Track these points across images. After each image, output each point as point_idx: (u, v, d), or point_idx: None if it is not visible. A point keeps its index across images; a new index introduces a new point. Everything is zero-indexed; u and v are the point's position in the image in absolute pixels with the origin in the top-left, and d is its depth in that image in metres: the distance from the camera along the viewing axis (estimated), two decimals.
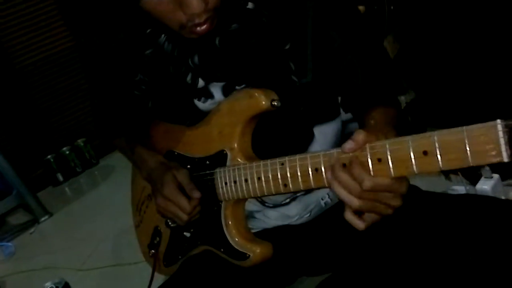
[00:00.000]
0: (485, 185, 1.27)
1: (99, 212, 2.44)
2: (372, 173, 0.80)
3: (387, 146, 0.78)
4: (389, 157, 0.78)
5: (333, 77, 1.07)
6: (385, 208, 0.82)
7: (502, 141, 0.66)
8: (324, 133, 1.13)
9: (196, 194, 1.08)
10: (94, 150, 3.10)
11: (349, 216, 0.83)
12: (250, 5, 1.04)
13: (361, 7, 1.58)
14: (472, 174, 1.31)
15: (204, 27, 0.96)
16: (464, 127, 0.69)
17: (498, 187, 1.29)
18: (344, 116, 1.17)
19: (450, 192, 1.30)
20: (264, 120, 1.06)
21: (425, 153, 0.74)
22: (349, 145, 0.81)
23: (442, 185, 1.40)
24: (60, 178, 3.00)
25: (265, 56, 1.06)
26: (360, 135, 0.81)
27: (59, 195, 2.93)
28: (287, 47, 1.05)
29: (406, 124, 1.12)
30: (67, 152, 3.01)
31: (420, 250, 0.96)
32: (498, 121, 0.66)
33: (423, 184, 1.11)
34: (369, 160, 0.81)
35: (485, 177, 1.27)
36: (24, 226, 2.54)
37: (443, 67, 1.67)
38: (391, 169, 0.78)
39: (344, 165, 0.83)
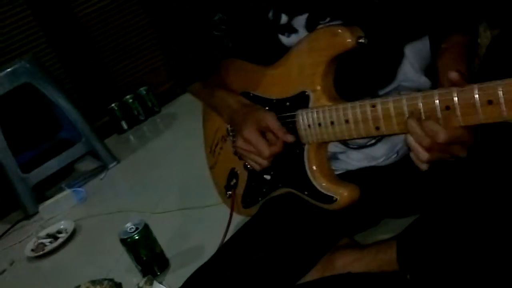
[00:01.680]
0: None
1: (164, 158, 2.47)
2: (481, 115, 0.76)
3: (499, 87, 0.73)
4: (500, 98, 0.73)
5: None
6: (451, 158, 0.82)
7: None
8: (415, 50, 1.08)
9: (290, 138, 1.04)
10: (157, 98, 3.12)
11: (415, 160, 0.84)
12: None
13: None
14: None
15: None
16: None
17: None
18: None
19: None
20: (349, 54, 1.00)
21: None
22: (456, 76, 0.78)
23: None
24: (125, 126, 3.05)
25: None
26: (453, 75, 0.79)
27: (124, 143, 2.99)
28: None
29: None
30: (130, 100, 3.04)
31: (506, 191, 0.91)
32: None
33: None
34: (478, 103, 0.76)
35: None
36: (94, 172, 2.60)
37: None
38: (504, 111, 0.73)
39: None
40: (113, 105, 3.03)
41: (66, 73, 3.01)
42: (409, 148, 0.85)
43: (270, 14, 1.06)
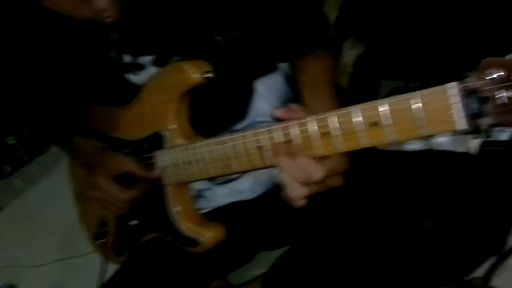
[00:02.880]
0: (442, 137, 1.21)
1: (52, 201, 2.31)
2: (319, 149, 0.73)
3: (336, 118, 0.70)
4: (339, 130, 0.71)
5: (259, 28, 0.99)
6: (327, 187, 0.78)
7: (457, 107, 0.59)
8: (267, 85, 1.07)
9: (154, 173, 0.99)
10: (41, 136, 2.92)
11: (292, 197, 0.77)
12: None
13: None
14: None
15: (113, 18, 0.89)
16: (417, 92, 0.62)
17: (456, 137, 1.24)
18: (284, 67, 1.11)
19: (406, 148, 1.25)
20: (199, 90, 0.97)
21: (374, 124, 0.66)
22: (280, 112, 0.75)
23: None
24: (8, 169, 2.83)
25: (184, 18, 0.97)
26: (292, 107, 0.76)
27: (8, 188, 2.76)
28: (204, 3, 0.96)
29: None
30: (13, 141, 2.83)
31: (379, 215, 0.91)
32: (453, 84, 0.59)
33: None
34: (317, 134, 0.73)
35: None
36: None
37: (392, 15, 1.60)
38: (341, 143, 0.71)
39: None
40: None
41: None
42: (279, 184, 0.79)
43: (112, 54, 1.01)
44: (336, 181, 0.78)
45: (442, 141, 1.21)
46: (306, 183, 0.74)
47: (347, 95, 1.44)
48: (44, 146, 2.90)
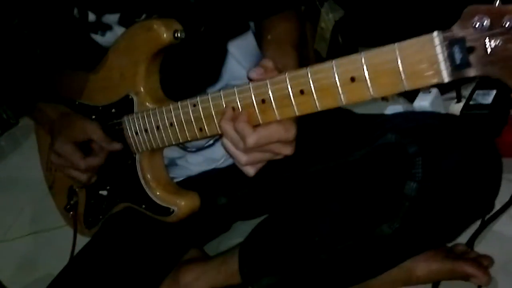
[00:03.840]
0: (423, 101, 1.18)
1: (22, 175, 2.26)
2: (295, 107, 0.69)
3: (309, 75, 0.66)
4: (312, 88, 0.67)
5: None
6: (275, 156, 0.76)
7: (440, 57, 0.55)
8: (239, 46, 1.03)
9: (116, 146, 0.96)
10: (12, 108, 2.83)
11: (237, 164, 0.77)
12: None
13: None
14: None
15: None
16: (396, 44, 0.58)
17: (437, 101, 1.21)
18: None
19: (387, 112, 1.22)
20: (170, 51, 0.92)
21: (352, 79, 0.62)
22: (255, 73, 0.72)
23: (376, 106, 1.32)
24: None
25: None
26: (269, 63, 0.73)
27: None
28: None
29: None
30: None
31: (360, 178, 0.88)
32: (435, 33, 0.55)
33: (358, 107, 1.02)
34: (291, 93, 0.69)
35: (423, 93, 1.19)
36: None
37: None
38: (316, 101, 0.67)
39: (233, 109, 0.74)
40: None
41: None
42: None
43: (75, 12, 0.95)
44: (283, 150, 0.75)
45: (423, 105, 1.18)
46: (245, 150, 0.73)
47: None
48: (14, 120, 2.82)
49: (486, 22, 0.52)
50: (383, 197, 0.83)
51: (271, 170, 0.80)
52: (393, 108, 1.25)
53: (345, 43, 1.50)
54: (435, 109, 1.20)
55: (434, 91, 1.23)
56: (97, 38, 0.97)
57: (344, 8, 1.47)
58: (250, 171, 0.76)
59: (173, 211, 0.94)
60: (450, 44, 0.54)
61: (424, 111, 1.18)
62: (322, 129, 0.99)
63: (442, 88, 1.25)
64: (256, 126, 0.73)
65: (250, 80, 0.73)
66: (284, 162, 0.78)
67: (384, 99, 1.34)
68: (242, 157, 0.74)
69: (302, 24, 1.02)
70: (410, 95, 1.26)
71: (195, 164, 1.08)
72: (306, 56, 1.45)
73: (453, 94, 1.24)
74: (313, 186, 0.97)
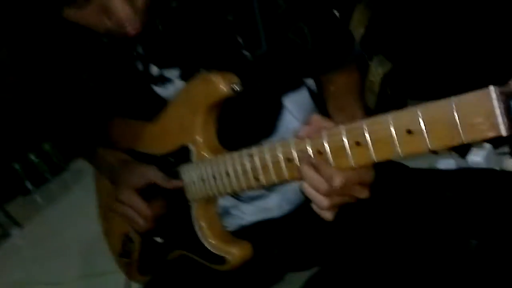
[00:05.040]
0: (477, 156, 1.17)
1: (72, 219, 2.33)
2: (351, 158, 0.71)
3: (365, 127, 0.69)
4: (368, 140, 0.69)
5: (286, 44, 0.98)
6: (352, 199, 0.76)
7: (498, 112, 0.56)
8: (294, 101, 1.05)
9: (177, 183, 0.99)
10: (62, 153, 2.97)
11: (316, 209, 0.77)
12: None
13: None
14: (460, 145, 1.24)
15: (135, 30, 0.87)
16: (452, 98, 0.60)
17: (491, 157, 1.20)
18: (310, 83, 1.10)
19: (439, 167, 1.21)
20: (227, 104, 0.96)
21: (409, 131, 0.64)
22: (302, 131, 0.75)
23: (427, 160, 1.31)
24: (29, 186, 2.87)
25: (210, 32, 0.96)
26: (314, 118, 0.76)
27: (29, 205, 2.80)
28: (231, 18, 0.95)
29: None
30: (34, 158, 2.88)
31: (413, 236, 0.88)
32: (491, 87, 0.56)
33: (408, 162, 1.02)
34: (346, 145, 0.71)
35: (476, 147, 1.18)
36: None
37: (420, 32, 1.58)
38: (372, 153, 0.69)
39: (288, 160, 0.77)
40: (15, 164, 2.85)
41: None
42: (306, 197, 0.78)
43: (139, 66, 1.00)
44: (362, 193, 0.76)
45: (478, 160, 1.17)
46: (328, 193, 0.74)
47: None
48: (65, 164, 2.95)
49: None
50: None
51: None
52: (445, 163, 1.25)
53: (394, 96, 1.52)
54: (489, 165, 1.18)
55: (488, 146, 1.22)
56: (158, 89, 1.02)
57: (393, 62, 1.50)
58: (329, 215, 0.76)
59: (227, 260, 0.96)
60: (507, 98, 0.55)
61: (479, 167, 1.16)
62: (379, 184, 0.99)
63: (495, 142, 1.24)
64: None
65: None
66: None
67: (434, 152, 1.33)
68: (324, 201, 0.74)
69: (361, 76, 1.05)
70: (460, 149, 1.26)
71: (249, 213, 1.10)
72: None
73: (506, 149, 1.22)
74: (373, 239, 0.96)
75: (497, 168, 1.16)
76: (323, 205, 0.75)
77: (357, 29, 1.46)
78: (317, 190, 0.74)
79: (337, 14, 1.06)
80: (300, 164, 0.76)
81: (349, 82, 1.01)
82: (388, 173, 0.99)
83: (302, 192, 0.78)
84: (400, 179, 0.98)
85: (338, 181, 0.72)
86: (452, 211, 0.84)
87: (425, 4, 1.55)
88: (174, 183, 0.99)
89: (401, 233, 0.90)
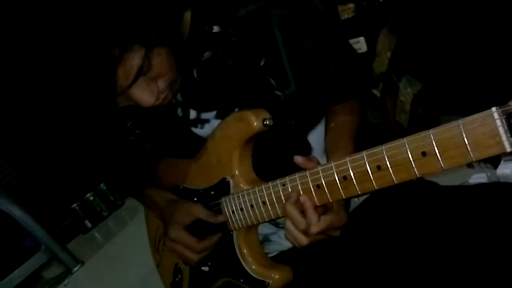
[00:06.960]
0: (506, 169, 1.19)
1: (130, 253, 2.42)
2: (374, 182, 0.76)
3: (384, 152, 0.74)
4: (388, 163, 0.73)
5: (312, 80, 1.05)
6: (325, 238, 0.90)
7: (501, 130, 0.60)
8: (316, 137, 1.11)
9: (221, 218, 1.06)
10: (118, 190, 3.10)
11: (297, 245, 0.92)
12: (216, 28, 1.01)
13: (351, 5, 1.55)
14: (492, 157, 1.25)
15: (166, 101, 0.97)
16: (460, 120, 0.64)
17: None
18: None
19: (472, 181, 1.23)
20: (262, 139, 1.03)
21: (423, 153, 0.69)
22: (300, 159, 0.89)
23: (465, 174, 1.33)
24: (89, 224, 3.01)
25: (245, 77, 1.03)
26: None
27: (89, 242, 2.93)
28: (262, 63, 1.02)
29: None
30: (91, 198, 3.03)
31: (444, 252, 0.90)
32: (493, 109, 0.61)
33: (444, 177, 1.05)
34: (368, 169, 0.76)
35: (504, 160, 1.20)
36: (58, 279, 2.54)
37: (445, 52, 1.61)
38: (392, 175, 0.74)
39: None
40: (74, 205, 3.00)
41: (19, 179, 2.98)
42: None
43: (179, 112, 1.08)
44: (337, 233, 0.91)
45: (506, 172, 1.18)
46: (305, 233, 0.87)
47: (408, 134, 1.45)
48: (120, 201, 3.08)
49: None
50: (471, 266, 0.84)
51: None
52: (477, 177, 1.27)
53: (426, 114, 1.54)
54: None
55: None
56: (196, 130, 1.10)
57: (422, 82, 1.53)
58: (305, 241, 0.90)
59: (268, 284, 1.01)
60: (508, 117, 0.59)
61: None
62: (407, 202, 1.03)
63: None
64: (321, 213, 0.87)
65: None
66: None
67: (470, 165, 1.35)
68: (303, 238, 0.88)
69: (363, 116, 1.10)
70: (494, 161, 1.27)
71: None
72: (388, 128, 1.52)
73: None
74: (405, 256, 0.99)
75: None
76: (302, 243, 0.89)
77: (384, 52, 1.51)
78: (297, 228, 0.88)
79: (363, 40, 1.12)
80: (286, 203, 0.90)
81: (348, 121, 1.06)
82: (419, 192, 1.03)
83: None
84: (430, 198, 1.01)
85: (316, 229, 0.86)
86: (478, 225, 0.86)
87: (445, 24, 1.58)
88: (219, 218, 1.06)
89: (429, 251, 0.93)
